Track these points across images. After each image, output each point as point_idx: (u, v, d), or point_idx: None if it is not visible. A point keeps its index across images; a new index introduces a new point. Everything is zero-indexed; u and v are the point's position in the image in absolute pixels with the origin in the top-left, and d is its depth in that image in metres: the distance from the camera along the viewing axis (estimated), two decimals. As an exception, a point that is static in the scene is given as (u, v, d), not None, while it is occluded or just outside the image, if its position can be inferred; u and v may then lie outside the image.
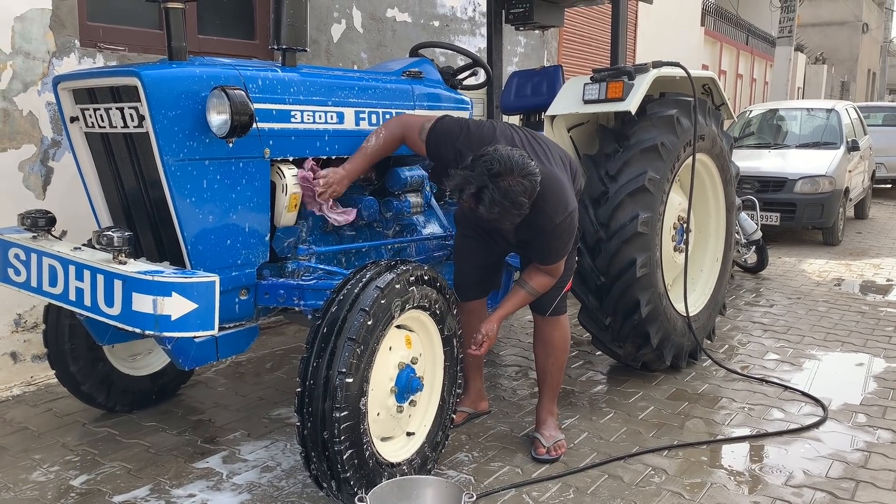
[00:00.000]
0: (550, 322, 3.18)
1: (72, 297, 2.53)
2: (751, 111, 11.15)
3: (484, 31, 6.73)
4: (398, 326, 2.68)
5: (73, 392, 3.34)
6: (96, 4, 4.07)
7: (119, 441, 3.22)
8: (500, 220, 2.68)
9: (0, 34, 3.62)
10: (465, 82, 4.16)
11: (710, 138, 4.14)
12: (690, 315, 4.08)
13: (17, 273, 2.74)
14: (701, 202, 4.38)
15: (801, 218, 8.53)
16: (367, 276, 2.53)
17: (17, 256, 2.74)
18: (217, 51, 4.53)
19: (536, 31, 7.85)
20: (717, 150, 4.27)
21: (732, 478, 2.96)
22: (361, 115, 3.17)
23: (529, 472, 2.98)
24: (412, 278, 2.61)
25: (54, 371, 3.29)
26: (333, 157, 3.12)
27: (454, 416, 2.95)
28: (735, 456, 3.17)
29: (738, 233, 6.31)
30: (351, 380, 2.36)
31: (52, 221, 2.83)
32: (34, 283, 2.68)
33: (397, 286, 2.53)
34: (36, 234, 2.79)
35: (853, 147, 9.45)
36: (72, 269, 2.51)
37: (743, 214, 6.52)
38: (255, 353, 4.43)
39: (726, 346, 4.74)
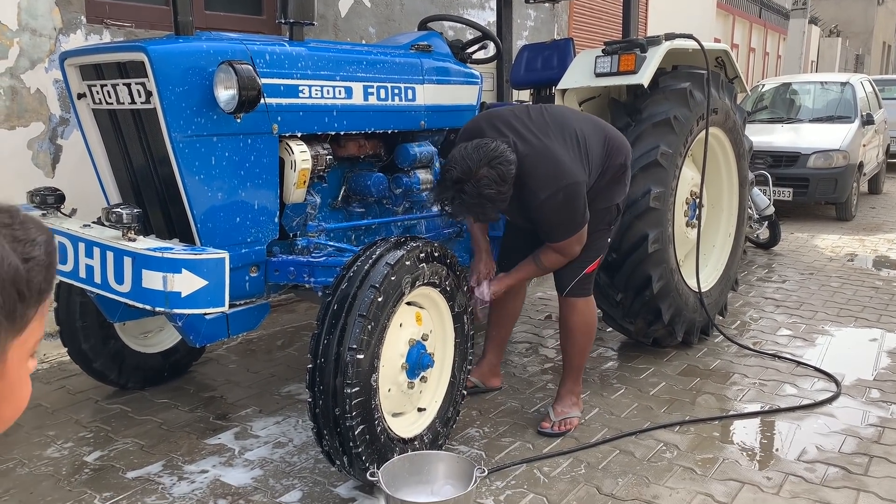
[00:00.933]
0: (568, 304, 3.13)
1: (82, 274, 2.53)
2: (763, 85, 11.01)
3: (493, 4, 6.65)
4: (408, 303, 2.67)
5: (85, 369, 3.36)
6: (102, -20, 4.04)
7: (132, 418, 3.24)
8: (487, 213, 2.72)
9: (6, 11, 3.59)
10: (474, 56, 4.12)
11: (723, 112, 4.08)
12: (703, 291, 4.05)
13: (28, 251, 2.74)
14: (714, 177, 4.33)
15: (814, 193, 8.45)
16: (378, 252, 2.52)
17: (27, 234, 2.73)
18: (224, 26, 4.49)
19: (547, 4, 7.75)
20: (730, 124, 4.22)
21: (744, 453, 2.95)
22: (370, 90, 3.14)
23: (540, 447, 2.98)
24: (422, 255, 2.59)
25: (66, 348, 3.31)
26: (342, 133, 3.09)
27: (465, 392, 2.95)
28: (747, 431, 3.16)
29: (750, 208, 6.25)
30: (362, 356, 2.36)
31: (61, 199, 2.83)
32: (44, 261, 2.68)
33: (407, 263, 2.52)
34: (45, 212, 2.79)
35: (868, 121, 9.32)
36: (81, 246, 2.51)
37: (755, 189, 6.46)
38: (266, 329, 4.44)
39: (738, 321, 4.71)
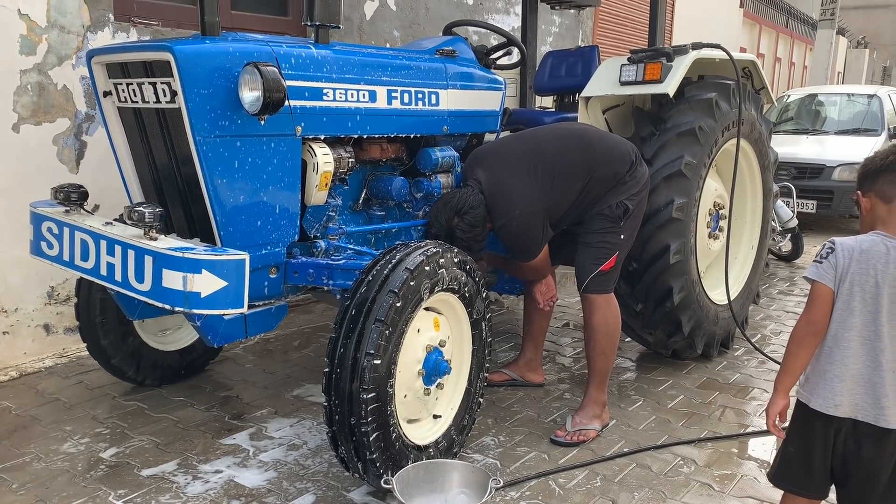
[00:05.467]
0: (587, 301, 3.18)
1: (103, 271, 2.54)
2: (789, 96, 10.90)
3: (518, 9, 6.64)
4: (427, 309, 2.66)
5: (103, 365, 3.38)
6: (131, -22, 4.07)
7: (148, 415, 3.25)
8: (473, 251, 3.07)
9: (36, 8, 3.62)
10: (498, 62, 4.10)
11: (749, 123, 4.03)
12: (723, 304, 4.00)
13: (50, 247, 2.76)
14: (738, 188, 4.28)
15: (838, 206, 8.35)
16: (397, 257, 2.51)
17: (49, 230, 2.76)
18: (250, 26, 4.51)
19: (572, 11, 7.72)
20: (755, 135, 4.17)
21: (763, 470, 2.90)
22: (394, 94, 3.13)
23: (556, 458, 2.96)
24: (442, 260, 2.58)
25: (85, 344, 3.33)
26: (365, 137, 3.09)
27: (481, 400, 2.93)
28: (766, 448, 3.12)
29: (773, 220, 6.18)
30: (379, 361, 2.34)
31: (84, 196, 2.84)
32: (66, 257, 2.70)
33: (427, 268, 2.50)
34: (69, 209, 2.81)
35: (895, 134, 9.20)
36: (103, 243, 2.52)
37: (779, 201, 6.39)
38: (283, 330, 4.44)
39: (759, 335, 4.65)
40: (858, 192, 2.02)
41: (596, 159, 3.13)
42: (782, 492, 2.11)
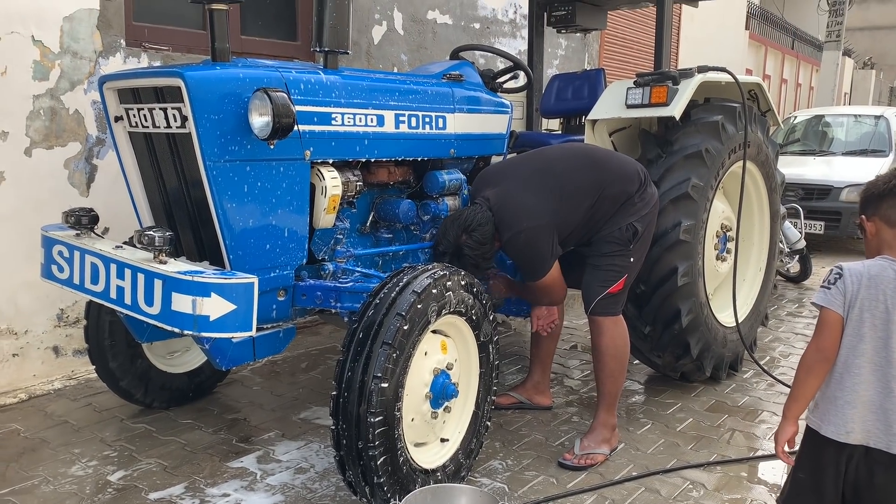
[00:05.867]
0: (595, 323, 3.18)
1: (113, 295, 2.56)
2: (795, 117, 10.92)
3: (525, 33, 6.69)
4: (434, 331, 2.66)
5: (111, 387, 3.38)
6: (142, 5, 4.13)
7: (156, 438, 3.25)
8: (480, 270, 3.12)
9: (49, 34, 3.68)
10: (505, 85, 4.13)
11: (755, 145, 4.04)
12: (732, 326, 3.99)
13: (61, 270, 2.79)
14: (745, 210, 4.26)
15: (846, 227, 8.31)
16: (404, 280, 2.52)
17: (60, 253, 2.78)
18: (260, 51, 4.56)
19: (578, 34, 7.78)
20: (762, 158, 4.18)
21: (773, 494, 2.88)
22: (401, 118, 3.16)
23: (564, 482, 2.94)
24: (449, 283, 2.59)
25: (94, 366, 3.34)
26: (373, 160, 3.11)
27: (489, 424, 2.93)
28: (776, 472, 3.09)
29: (781, 241, 6.17)
30: (386, 385, 2.35)
31: (94, 219, 2.87)
32: (77, 281, 2.72)
33: (434, 291, 2.51)
34: (79, 232, 2.83)
35: (903, 155, 9.20)
36: (113, 267, 2.54)
37: (786, 223, 6.38)
38: (290, 352, 4.45)
39: (767, 357, 4.63)
40: (863, 216, 2.02)
41: (604, 178, 3.13)
42: None
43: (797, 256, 6.69)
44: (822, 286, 1.95)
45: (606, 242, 3.14)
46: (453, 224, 3.06)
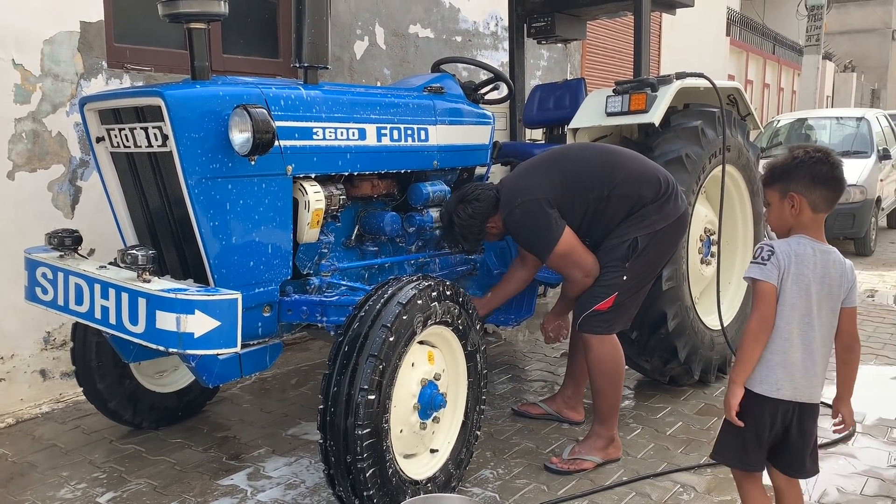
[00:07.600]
0: (583, 339, 3.16)
1: (97, 315, 2.55)
2: (779, 121, 11.02)
3: (506, 45, 6.74)
4: (420, 342, 2.67)
5: (100, 409, 3.37)
6: (123, 26, 4.14)
7: (145, 458, 3.24)
8: (468, 241, 3.32)
9: (30, 57, 3.69)
10: (486, 97, 4.16)
11: (735, 149, 4.08)
12: (718, 329, 4.01)
13: (45, 292, 2.78)
14: (728, 214, 4.31)
15: (831, 228, 8.37)
16: (389, 291, 2.53)
17: (44, 275, 2.78)
18: (242, 69, 4.58)
19: (559, 45, 7.84)
20: (743, 161, 4.21)
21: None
22: (383, 132, 3.18)
23: (555, 489, 2.94)
24: (434, 293, 2.59)
25: (82, 388, 3.33)
26: (355, 174, 3.13)
27: (479, 433, 2.93)
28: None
29: (766, 244, 6.20)
30: (373, 397, 2.35)
31: (78, 240, 2.87)
32: (61, 302, 2.71)
33: (419, 302, 2.52)
34: (63, 253, 2.83)
35: (885, 156, 9.30)
36: (97, 287, 2.54)
37: (771, 225, 6.41)
38: (280, 368, 4.44)
39: (756, 359, 4.64)
40: (776, 188, 2.17)
41: (616, 175, 3.04)
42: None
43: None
44: (755, 262, 2.15)
45: (605, 253, 3.06)
46: (457, 193, 3.26)
